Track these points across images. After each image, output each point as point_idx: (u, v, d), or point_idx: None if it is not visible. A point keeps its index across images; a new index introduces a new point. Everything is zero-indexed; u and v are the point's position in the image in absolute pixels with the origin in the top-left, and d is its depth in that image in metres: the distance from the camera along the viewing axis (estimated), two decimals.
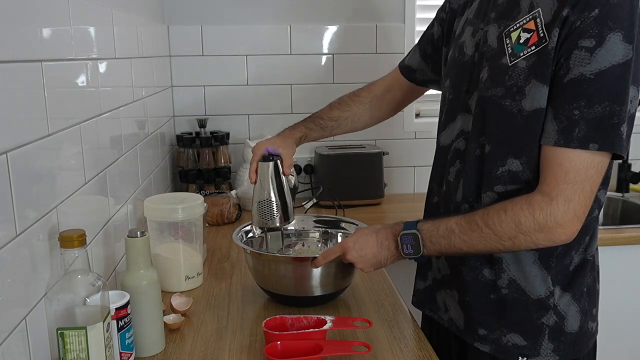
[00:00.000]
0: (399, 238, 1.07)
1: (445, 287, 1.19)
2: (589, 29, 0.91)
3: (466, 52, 1.13)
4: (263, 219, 1.25)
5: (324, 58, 2.19)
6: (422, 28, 2.24)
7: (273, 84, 2.19)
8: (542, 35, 0.97)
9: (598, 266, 1.14)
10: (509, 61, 1.01)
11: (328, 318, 1.06)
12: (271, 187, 1.24)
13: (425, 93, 2.27)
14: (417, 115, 2.30)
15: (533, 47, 0.98)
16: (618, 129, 0.92)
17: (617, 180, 2.33)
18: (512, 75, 1.00)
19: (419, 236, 1.05)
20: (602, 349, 1.78)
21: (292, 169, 1.31)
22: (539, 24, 0.98)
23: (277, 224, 1.25)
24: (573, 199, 0.94)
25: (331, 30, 2.17)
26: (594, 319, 1.13)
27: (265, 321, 1.05)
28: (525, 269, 1.05)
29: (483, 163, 1.07)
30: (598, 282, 1.14)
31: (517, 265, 1.06)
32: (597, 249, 1.13)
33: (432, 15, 2.24)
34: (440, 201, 1.19)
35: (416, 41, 2.21)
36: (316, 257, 1.16)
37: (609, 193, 2.31)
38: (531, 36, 0.99)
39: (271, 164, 1.25)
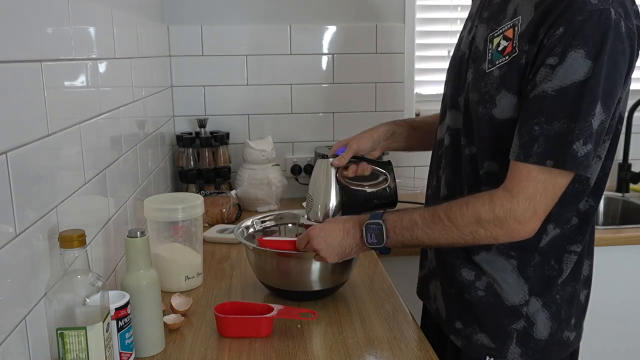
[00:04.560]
0: (363, 227, 1.08)
1: (434, 279, 1.22)
2: (554, 46, 0.91)
3: (462, 48, 1.14)
4: (305, 208, 1.31)
5: (324, 58, 2.19)
6: (422, 28, 2.25)
7: (273, 84, 2.18)
8: (515, 45, 0.97)
9: (586, 277, 1.14)
10: (486, 67, 1.02)
11: (276, 307, 1.12)
12: (315, 184, 1.28)
13: (426, 93, 2.30)
14: (417, 115, 2.30)
15: (507, 57, 0.99)
16: (570, 147, 0.91)
17: (617, 180, 2.33)
18: (487, 82, 1.01)
19: (383, 226, 1.06)
20: (602, 348, 1.78)
21: (364, 167, 1.27)
22: (515, 32, 0.98)
23: (309, 218, 1.30)
24: (534, 197, 0.94)
25: (331, 30, 2.17)
26: (573, 329, 1.12)
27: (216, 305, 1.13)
28: (504, 276, 1.07)
29: (467, 162, 1.09)
30: (583, 293, 1.14)
31: (495, 272, 1.07)
32: (587, 258, 1.12)
33: (432, 15, 2.26)
34: (431, 194, 1.22)
35: (416, 41, 2.23)
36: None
37: (609, 193, 2.31)
38: (508, 45, 0.99)
39: (319, 162, 1.27)
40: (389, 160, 1.30)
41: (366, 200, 1.27)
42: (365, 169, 1.27)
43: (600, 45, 0.89)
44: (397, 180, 1.30)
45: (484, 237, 0.99)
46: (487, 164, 1.05)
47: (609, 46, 0.89)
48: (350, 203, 1.26)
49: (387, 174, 1.28)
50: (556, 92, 0.91)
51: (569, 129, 0.91)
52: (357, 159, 1.28)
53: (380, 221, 1.06)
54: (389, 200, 1.28)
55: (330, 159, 1.26)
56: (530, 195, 0.94)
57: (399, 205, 1.24)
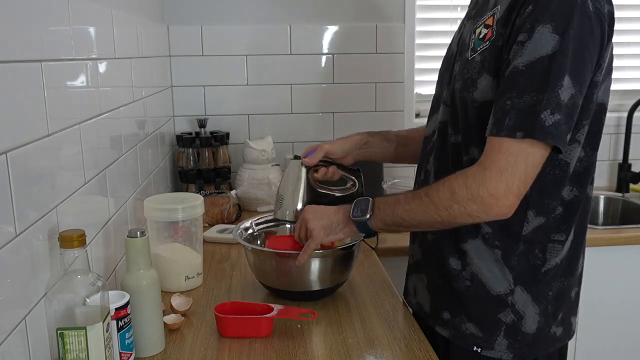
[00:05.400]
0: (353, 203, 1.12)
1: (416, 272, 1.23)
2: (524, 24, 0.95)
3: (452, 47, 1.19)
4: (274, 207, 1.34)
5: (324, 58, 2.19)
6: (422, 28, 2.25)
7: (273, 84, 2.19)
8: (494, 30, 1.02)
9: (579, 274, 1.14)
10: (469, 56, 1.06)
11: (276, 307, 1.13)
12: (286, 184, 1.30)
13: (426, 93, 2.30)
14: (417, 115, 2.30)
15: (487, 43, 1.02)
16: (538, 117, 0.93)
17: (617, 180, 2.33)
18: (469, 68, 1.05)
19: (370, 202, 1.09)
20: (602, 347, 1.79)
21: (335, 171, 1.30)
22: (495, 20, 1.02)
23: (277, 217, 1.33)
24: (506, 170, 0.95)
25: (331, 30, 2.17)
26: (560, 324, 1.13)
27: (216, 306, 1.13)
28: (489, 266, 1.08)
29: (453, 151, 1.11)
30: (574, 290, 1.14)
31: (481, 262, 1.08)
32: (581, 255, 1.13)
33: (433, 15, 2.26)
34: (418, 188, 1.22)
35: (416, 41, 2.23)
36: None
37: (609, 193, 2.31)
38: (488, 32, 1.03)
39: (291, 162, 1.30)
40: (358, 168, 1.33)
41: (333, 203, 1.28)
42: (335, 173, 1.30)
43: (567, 21, 0.92)
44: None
45: (458, 213, 0.99)
46: (471, 150, 1.07)
47: (576, 22, 0.93)
48: (318, 204, 1.27)
49: (355, 180, 1.32)
50: (526, 66, 0.94)
51: (537, 99, 0.93)
52: (328, 163, 1.30)
53: (369, 198, 1.11)
54: None
55: (302, 159, 1.29)
56: (502, 167, 0.95)
57: None
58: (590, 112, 1.02)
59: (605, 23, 0.96)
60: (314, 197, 1.28)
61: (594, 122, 1.04)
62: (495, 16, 1.02)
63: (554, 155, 0.99)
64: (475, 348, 1.10)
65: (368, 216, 1.08)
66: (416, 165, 1.29)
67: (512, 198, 0.96)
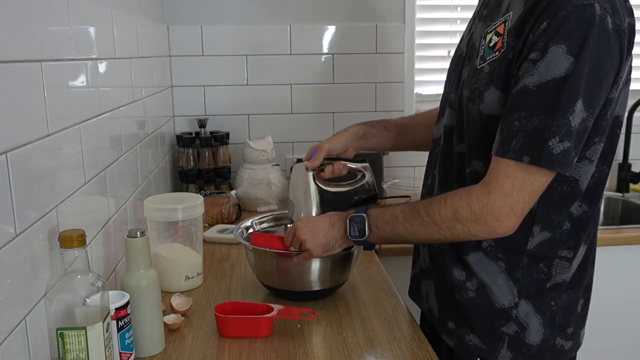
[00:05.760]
0: (347, 220, 1.08)
1: (426, 278, 1.22)
2: (537, 41, 0.90)
3: (461, 46, 1.14)
4: (288, 214, 1.34)
5: (324, 58, 2.19)
6: (422, 28, 2.25)
7: (273, 84, 2.19)
8: (504, 40, 0.97)
9: (587, 285, 1.12)
10: (478, 64, 1.02)
11: (276, 307, 1.12)
12: (294, 189, 1.29)
13: (426, 93, 2.30)
14: None
15: (497, 53, 0.98)
16: (546, 144, 0.90)
17: (617, 180, 2.33)
18: (477, 78, 1.01)
19: (366, 220, 1.06)
20: (602, 348, 1.79)
21: (339, 166, 1.27)
22: (506, 28, 0.97)
23: (292, 220, 1.31)
24: (511, 193, 0.93)
25: (331, 30, 2.17)
26: (569, 337, 1.10)
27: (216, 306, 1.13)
28: (493, 278, 1.06)
29: (457, 161, 1.09)
30: (580, 302, 1.12)
31: (485, 273, 1.06)
32: (590, 267, 1.11)
33: (432, 15, 2.26)
34: (425, 193, 1.21)
35: (416, 41, 2.23)
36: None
37: (609, 193, 2.31)
38: (498, 40, 0.99)
39: (295, 166, 1.29)
40: (364, 158, 1.32)
41: (347, 198, 1.29)
42: (342, 168, 1.28)
43: (583, 41, 0.88)
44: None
45: (461, 233, 0.98)
46: (474, 162, 1.04)
47: (592, 42, 0.88)
48: (331, 203, 1.27)
49: (363, 170, 1.30)
50: (537, 87, 0.90)
51: (546, 125, 0.90)
52: (331, 159, 1.29)
53: (364, 215, 1.07)
54: (368, 195, 1.30)
55: (305, 162, 1.27)
56: (507, 191, 0.93)
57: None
58: (605, 129, 0.97)
59: (624, 39, 0.91)
60: (324, 196, 1.27)
61: (609, 138, 0.99)
62: (507, 24, 0.97)
63: (562, 174, 0.96)
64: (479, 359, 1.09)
65: (367, 235, 1.07)
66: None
67: (515, 219, 0.95)
